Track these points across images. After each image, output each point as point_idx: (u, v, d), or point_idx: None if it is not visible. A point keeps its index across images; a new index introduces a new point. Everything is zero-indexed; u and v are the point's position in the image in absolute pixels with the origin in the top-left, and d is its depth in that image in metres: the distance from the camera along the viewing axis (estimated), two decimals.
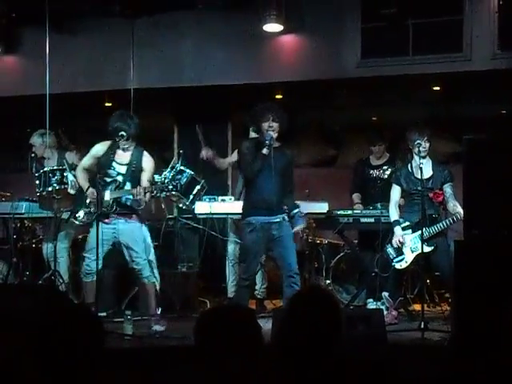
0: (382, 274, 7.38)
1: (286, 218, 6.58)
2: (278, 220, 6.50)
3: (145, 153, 6.99)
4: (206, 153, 8.00)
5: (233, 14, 8.84)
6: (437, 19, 8.18)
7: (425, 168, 7.03)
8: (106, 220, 6.81)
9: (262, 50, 8.92)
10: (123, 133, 6.79)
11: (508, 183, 5.45)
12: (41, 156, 7.95)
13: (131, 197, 6.79)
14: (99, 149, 7.03)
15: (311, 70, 8.79)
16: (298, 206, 6.72)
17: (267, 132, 6.44)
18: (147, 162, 6.97)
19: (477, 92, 8.88)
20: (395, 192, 7.30)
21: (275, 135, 6.45)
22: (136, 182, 6.86)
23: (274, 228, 6.50)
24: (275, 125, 6.45)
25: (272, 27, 8.60)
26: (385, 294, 7.28)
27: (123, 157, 6.96)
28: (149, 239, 6.99)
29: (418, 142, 6.98)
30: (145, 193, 6.69)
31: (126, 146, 6.93)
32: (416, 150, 6.96)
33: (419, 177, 6.98)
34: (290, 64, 8.89)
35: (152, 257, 6.97)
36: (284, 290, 6.53)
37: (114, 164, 6.94)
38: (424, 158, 7.01)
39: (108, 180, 6.89)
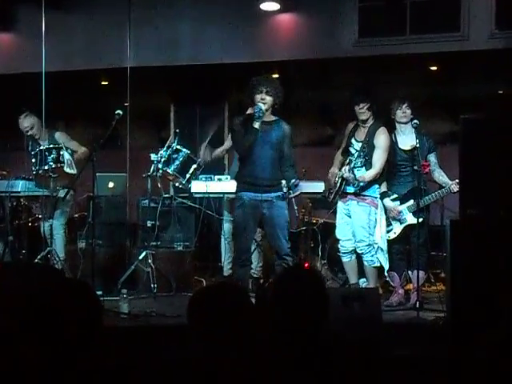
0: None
1: (280, 196, 6.41)
2: (268, 199, 6.37)
3: (380, 129, 6.93)
4: (203, 156, 7.93)
5: None
6: None
7: (408, 138, 6.99)
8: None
9: (259, 28, 8.89)
10: None
11: (504, 163, 5.45)
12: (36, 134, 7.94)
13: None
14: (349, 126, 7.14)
15: (308, 49, 8.77)
16: (295, 178, 6.47)
17: (257, 104, 6.34)
18: (380, 138, 6.91)
19: (474, 71, 8.86)
20: None
21: (265, 107, 6.32)
22: (369, 160, 6.89)
23: (265, 206, 6.38)
24: (268, 98, 6.34)
25: (269, 6, 8.59)
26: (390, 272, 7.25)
27: (361, 133, 7.01)
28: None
29: (399, 108, 6.98)
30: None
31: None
32: (398, 116, 6.99)
33: (403, 147, 7.00)
34: (286, 43, 8.86)
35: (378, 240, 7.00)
36: (275, 270, 6.52)
37: (353, 140, 7.03)
38: (405, 123, 6.99)
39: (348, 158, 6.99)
